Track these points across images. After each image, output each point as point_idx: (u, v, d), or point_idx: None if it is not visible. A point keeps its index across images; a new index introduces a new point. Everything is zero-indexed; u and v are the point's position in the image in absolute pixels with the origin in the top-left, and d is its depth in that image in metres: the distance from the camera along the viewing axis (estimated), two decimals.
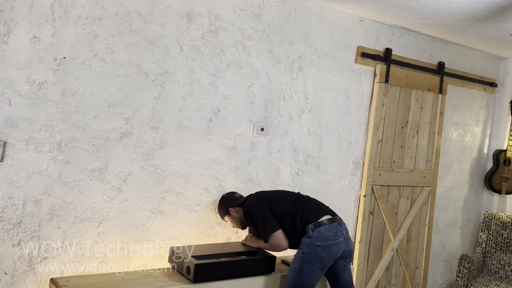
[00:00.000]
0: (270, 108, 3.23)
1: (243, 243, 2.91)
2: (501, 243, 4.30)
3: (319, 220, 2.68)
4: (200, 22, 2.88)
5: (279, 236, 2.67)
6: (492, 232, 4.34)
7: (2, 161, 2.35)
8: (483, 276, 4.18)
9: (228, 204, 2.87)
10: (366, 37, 3.68)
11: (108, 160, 2.65)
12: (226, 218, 2.90)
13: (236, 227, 2.94)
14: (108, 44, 2.59)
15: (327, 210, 2.79)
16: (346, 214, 3.68)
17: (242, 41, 3.06)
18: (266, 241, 2.73)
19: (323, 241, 2.63)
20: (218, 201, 2.98)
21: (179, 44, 2.82)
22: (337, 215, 2.80)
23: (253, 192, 3.01)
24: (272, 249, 2.75)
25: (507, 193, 4.55)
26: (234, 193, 2.96)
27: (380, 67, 3.74)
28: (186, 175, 2.91)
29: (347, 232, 2.76)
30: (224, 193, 3.01)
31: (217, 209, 2.98)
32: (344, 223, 2.78)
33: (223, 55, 3.00)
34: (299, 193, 2.91)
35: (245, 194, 3.15)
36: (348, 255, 2.77)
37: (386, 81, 3.77)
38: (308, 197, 2.88)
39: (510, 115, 4.62)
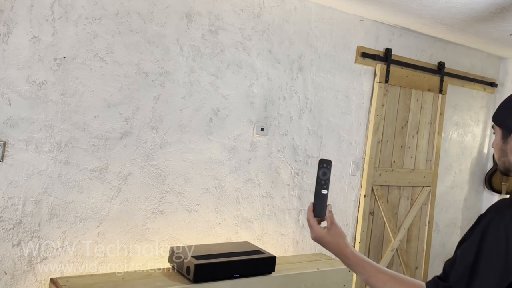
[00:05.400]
0: (270, 108, 3.23)
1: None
2: None
3: None
4: (200, 22, 2.88)
5: None
6: None
7: (2, 161, 2.35)
8: None
9: None
10: (366, 37, 3.68)
11: (108, 160, 2.65)
12: (498, 133, 1.58)
13: (495, 153, 1.63)
14: (108, 44, 2.59)
15: None
16: (346, 214, 3.68)
17: (242, 41, 3.06)
18: (443, 280, 1.29)
19: None
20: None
21: (179, 44, 2.82)
22: None
23: None
24: None
25: (507, 193, 4.55)
26: None
27: (380, 67, 3.74)
28: (186, 175, 2.91)
29: None
30: None
31: (497, 108, 1.58)
32: None
33: (223, 55, 3.00)
34: None
35: (245, 195, 3.16)
36: None
37: (386, 81, 3.77)
38: None
39: None
